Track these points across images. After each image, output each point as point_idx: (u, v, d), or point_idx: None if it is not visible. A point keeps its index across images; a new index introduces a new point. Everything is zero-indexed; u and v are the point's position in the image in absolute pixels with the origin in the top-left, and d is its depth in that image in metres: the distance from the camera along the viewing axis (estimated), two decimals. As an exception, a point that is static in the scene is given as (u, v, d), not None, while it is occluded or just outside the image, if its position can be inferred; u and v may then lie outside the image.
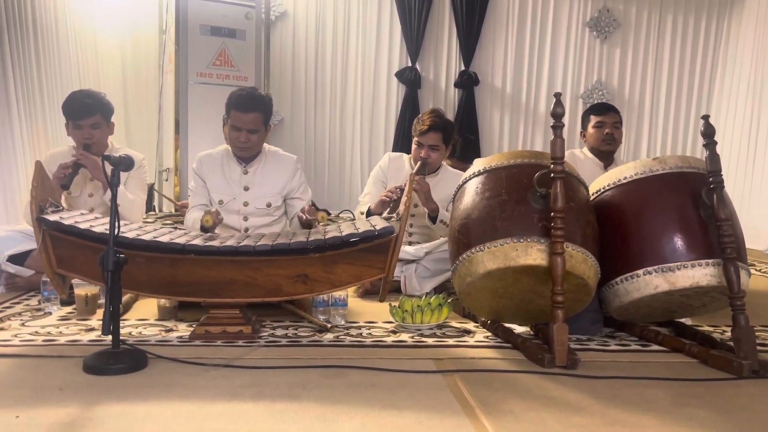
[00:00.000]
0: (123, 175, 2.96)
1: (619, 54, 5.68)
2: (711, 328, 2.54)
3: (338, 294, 2.46)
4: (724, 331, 2.51)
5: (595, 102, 5.56)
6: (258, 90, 2.96)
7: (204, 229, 2.58)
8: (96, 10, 4.30)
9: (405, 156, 3.45)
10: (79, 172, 2.90)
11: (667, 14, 5.66)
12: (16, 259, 2.87)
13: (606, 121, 3.40)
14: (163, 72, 4.85)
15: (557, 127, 2.12)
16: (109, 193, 2.93)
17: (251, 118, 2.79)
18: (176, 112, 4.66)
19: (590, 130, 3.45)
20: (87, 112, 2.97)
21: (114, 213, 1.91)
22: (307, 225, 2.72)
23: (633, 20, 5.69)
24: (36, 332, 2.25)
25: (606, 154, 3.41)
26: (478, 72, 5.59)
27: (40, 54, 3.45)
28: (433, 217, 3.18)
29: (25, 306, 2.64)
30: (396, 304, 2.48)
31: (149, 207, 4.37)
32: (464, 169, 3.71)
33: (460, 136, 4.22)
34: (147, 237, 2.20)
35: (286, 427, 1.50)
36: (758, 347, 2.03)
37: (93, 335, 2.22)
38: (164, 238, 2.21)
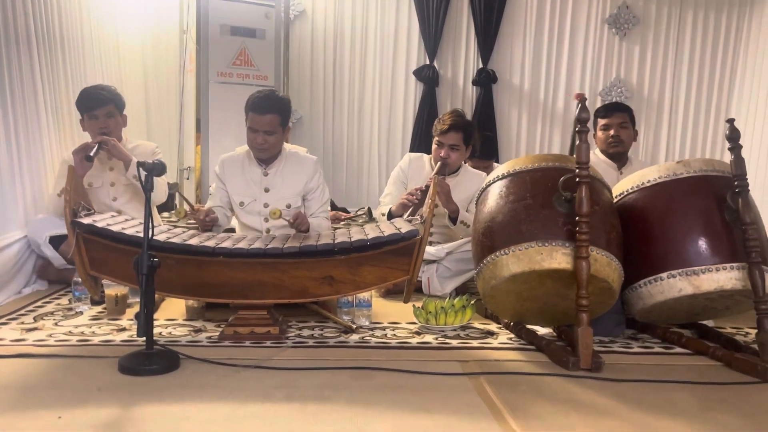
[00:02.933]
0: None
1: (639, 51, 5.63)
2: (734, 330, 2.55)
3: (362, 295, 2.50)
4: (747, 332, 2.52)
5: (614, 100, 5.53)
6: (276, 92, 2.99)
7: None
8: (118, 13, 4.35)
9: (425, 156, 3.48)
10: (100, 152, 2.98)
11: (687, 10, 5.61)
12: (54, 241, 2.95)
13: (611, 123, 3.36)
14: (184, 72, 4.89)
15: (582, 132, 2.13)
16: (132, 169, 3.01)
17: (267, 120, 2.82)
18: (197, 111, 4.70)
19: (598, 133, 3.43)
20: (101, 102, 3.10)
21: (148, 216, 1.95)
22: (298, 230, 2.78)
23: (653, 17, 5.64)
24: (70, 332, 2.30)
25: (616, 156, 3.38)
26: (496, 70, 5.58)
27: (66, 57, 3.51)
28: (454, 218, 3.20)
29: (57, 305, 2.70)
30: (419, 305, 2.52)
31: (171, 206, 4.42)
32: (485, 168, 3.74)
33: (479, 134, 4.23)
34: (177, 240, 2.24)
35: (321, 429, 1.54)
36: (783, 351, 2.04)
37: (125, 335, 2.28)
38: (194, 241, 2.26)
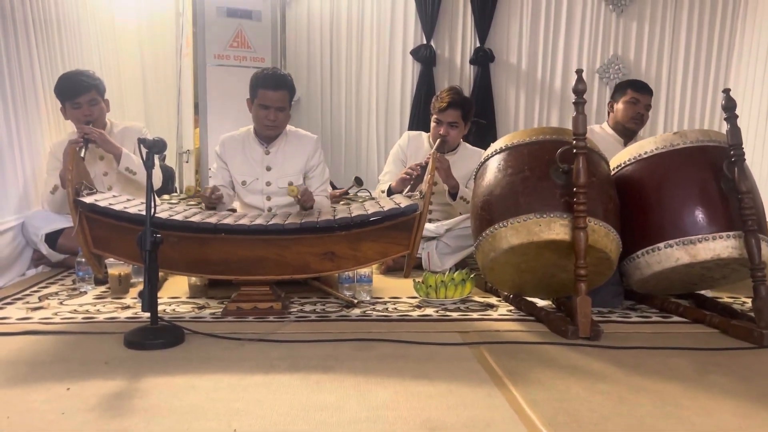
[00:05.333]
0: (132, 146, 3.04)
1: (636, 27, 5.62)
2: (731, 299, 2.58)
3: (363, 271, 2.53)
4: (744, 302, 2.55)
5: (612, 77, 5.54)
6: (279, 69, 3.02)
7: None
8: (114, -4, 4.36)
9: (424, 134, 3.49)
10: (89, 146, 2.93)
11: (684, -14, 5.60)
12: (50, 237, 2.96)
13: (642, 100, 3.37)
14: (181, 55, 4.89)
15: (579, 104, 2.15)
16: (123, 162, 3.00)
17: (279, 96, 2.84)
18: (195, 94, 4.70)
19: (621, 104, 3.39)
20: (83, 89, 3.02)
21: (150, 193, 1.97)
22: (303, 207, 2.78)
23: (649, -8, 5.63)
24: (75, 310, 2.33)
25: (629, 133, 3.40)
26: (493, 48, 5.56)
27: (63, 41, 3.50)
28: (454, 194, 3.22)
29: (61, 285, 2.73)
30: (420, 279, 2.54)
31: (171, 189, 4.44)
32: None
33: (474, 124, 4.22)
34: (179, 217, 2.26)
35: (324, 397, 1.57)
36: (778, 317, 2.07)
37: (130, 313, 2.31)
38: (196, 218, 2.28)
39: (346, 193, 4.42)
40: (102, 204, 2.21)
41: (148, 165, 1.99)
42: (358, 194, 4.55)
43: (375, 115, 5.61)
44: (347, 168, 5.62)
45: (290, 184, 2.95)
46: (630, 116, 3.36)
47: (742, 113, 5.01)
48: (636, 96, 3.36)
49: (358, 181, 4.45)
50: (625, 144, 3.37)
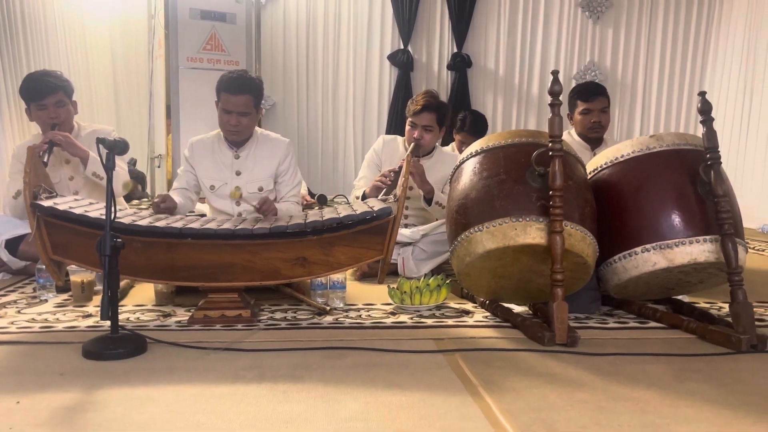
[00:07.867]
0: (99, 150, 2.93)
1: (612, 34, 5.66)
2: (708, 305, 2.56)
3: (336, 277, 2.46)
4: (721, 307, 2.53)
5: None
6: (248, 72, 2.93)
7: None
8: (83, -4, 4.25)
9: (399, 138, 3.44)
10: (53, 151, 2.81)
11: (659, -7, 5.65)
12: (10, 244, 2.84)
13: (593, 108, 3.32)
14: (153, 57, 4.80)
15: (555, 105, 2.11)
16: (90, 166, 2.89)
17: (242, 101, 2.76)
18: (167, 97, 4.61)
19: (577, 116, 3.39)
20: (49, 90, 2.90)
21: (110, 197, 1.88)
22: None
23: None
24: (33, 319, 2.23)
25: (593, 140, 3.39)
26: (470, 54, 5.56)
27: (29, 42, 3.39)
28: (429, 199, 3.17)
29: (21, 294, 2.62)
30: (395, 285, 2.48)
31: (143, 195, 4.33)
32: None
33: (469, 112, 4.21)
34: (143, 222, 2.18)
35: (290, 408, 1.50)
36: (755, 322, 2.04)
37: (91, 321, 2.21)
38: (161, 223, 2.19)
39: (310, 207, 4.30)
40: (61, 207, 2.12)
41: (108, 167, 1.91)
42: (334, 201, 4.47)
43: (352, 120, 5.57)
44: (324, 173, 5.56)
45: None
46: (587, 126, 3.34)
47: (717, 116, 5.06)
48: (586, 106, 3.34)
49: (321, 200, 4.23)
50: (592, 149, 3.35)
